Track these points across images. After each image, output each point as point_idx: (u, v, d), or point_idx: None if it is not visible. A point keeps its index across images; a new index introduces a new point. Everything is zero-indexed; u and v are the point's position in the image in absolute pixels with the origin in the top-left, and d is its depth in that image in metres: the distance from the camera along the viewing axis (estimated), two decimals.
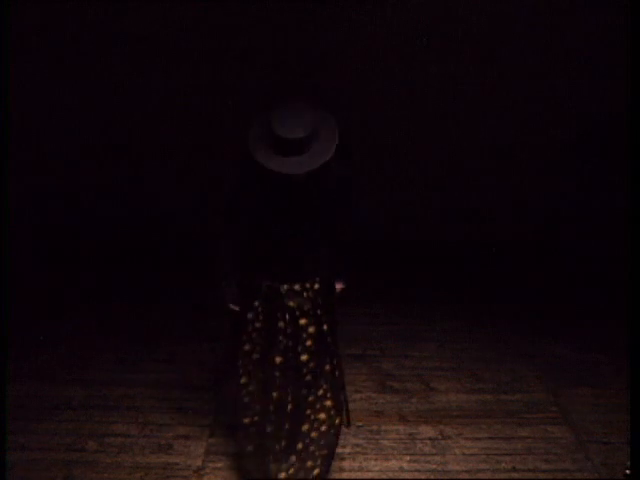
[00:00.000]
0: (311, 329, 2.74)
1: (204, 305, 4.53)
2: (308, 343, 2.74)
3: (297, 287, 2.70)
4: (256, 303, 2.74)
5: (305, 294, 2.71)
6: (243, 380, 2.85)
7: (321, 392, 2.83)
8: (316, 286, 2.73)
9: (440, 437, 3.43)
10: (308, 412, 2.83)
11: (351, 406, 3.37)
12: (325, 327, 2.77)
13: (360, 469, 3.18)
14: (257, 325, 2.77)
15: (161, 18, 5.15)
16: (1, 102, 3.20)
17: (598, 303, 4.85)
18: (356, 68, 5.31)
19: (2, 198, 3.29)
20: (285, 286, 2.70)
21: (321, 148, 2.42)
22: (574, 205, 5.64)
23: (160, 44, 5.23)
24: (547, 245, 5.66)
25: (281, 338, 2.73)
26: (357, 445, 3.34)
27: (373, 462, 3.22)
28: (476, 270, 5.39)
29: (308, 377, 2.78)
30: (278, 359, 2.75)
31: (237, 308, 2.83)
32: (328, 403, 2.84)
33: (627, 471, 2.45)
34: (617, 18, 4.95)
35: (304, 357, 2.74)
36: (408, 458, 3.27)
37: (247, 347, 2.80)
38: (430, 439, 3.42)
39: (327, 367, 2.82)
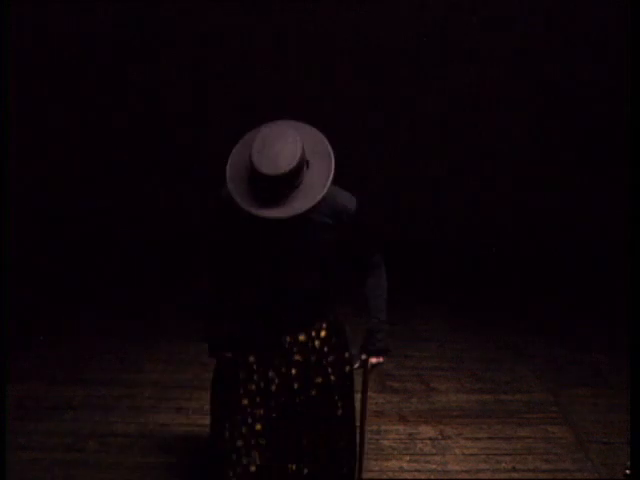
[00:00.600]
0: (318, 379, 2.38)
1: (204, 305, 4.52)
2: (313, 392, 2.38)
3: (302, 337, 2.33)
4: (251, 359, 2.35)
5: (311, 344, 2.35)
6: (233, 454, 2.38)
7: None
8: (322, 333, 2.37)
9: (440, 437, 3.43)
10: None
11: None
12: (332, 378, 2.40)
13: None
14: (252, 387, 2.35)
15: (161, 18, 5.16)
16: (1, 102, 3.20)
17: (598, 303, 4.85)
18: (356, 68, 5.32)
19: (2, 198, 3.29)
20: (288, 338, 2.32)
21: (313, 183, 2.00)
22: (574, 205, 5.64)
23: (159, 44, 5.23)
24: (547, 245, 5.66)
25: (281, 400, 2.35)
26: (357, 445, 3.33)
27: (373, 462, 3.21)
28: (476, 270, 5.39)
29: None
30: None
31: (229, 355, 2.42)
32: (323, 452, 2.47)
33: (627, 471, 2.45)
34: (617, 17, 4.96)
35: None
36: (408, 458, 3.26)
37: (239, 417, 2.37)
38: (430, 439, 3.41)
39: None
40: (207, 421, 3.45)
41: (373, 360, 2.47)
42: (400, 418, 3.57)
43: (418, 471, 3.18)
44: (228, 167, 2.06)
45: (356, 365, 2.51)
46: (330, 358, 2.40)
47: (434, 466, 3.22)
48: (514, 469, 3.21)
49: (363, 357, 2.48)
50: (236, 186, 2.02)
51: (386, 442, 3.37)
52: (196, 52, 5.26)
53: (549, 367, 4.10)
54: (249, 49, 5.23)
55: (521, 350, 4.29)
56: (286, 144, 1.96)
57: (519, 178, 5.66)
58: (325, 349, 2.38)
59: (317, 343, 2.36)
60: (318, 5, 5.11)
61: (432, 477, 3.14)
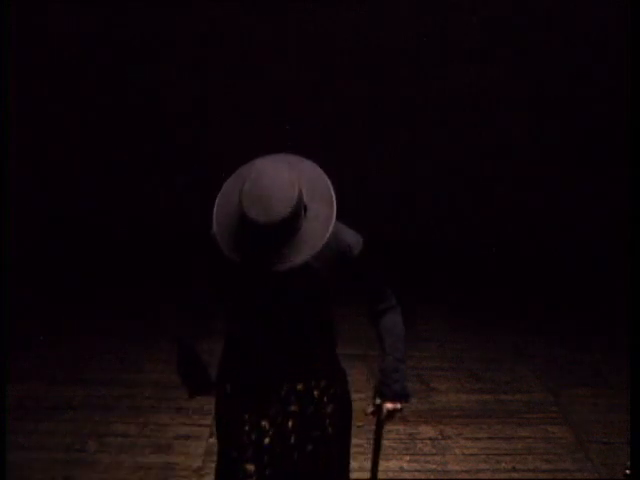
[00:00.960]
0: (316, 432, 2.16)
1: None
2: (309, 447, 2.16)
3: (300, 387, 2.11)
4: (243, 407, 2.13)
5: (309, 394, 2.14)
6: None
7: None
8: (322, 383, 2.14)
9: (440, 437, 3.43)
10: None
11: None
12: (330, 430, 2.17)
13: (360, 469, 3.16)
14: (243, 439, 2.12)
15: (161, 18, 5.16)
16: (1, 102, 3.20)
17: (598, 303, 4.85)
18: (356, 68, 5.32)
19: (2, 198, 3.29)
20: (285, 386, 2.11)
21: (312, 231, 1.78)
22: (574, 205, 5.64)
23: (159, 44, 5.23)
24: (547, 245, 5.66)
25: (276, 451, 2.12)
26: (357, 445, 3.31)
27: None
28: (476, 270, 5.38)
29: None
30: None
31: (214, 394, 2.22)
32: None
33: (627, 471, 2.45)
34: (617, 17, 4.96)
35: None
36: (408, 458, 3.27)
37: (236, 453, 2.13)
38: (430, 439, 3.41)
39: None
40: (207, 421, 3.47)
41: (389, 406, 2.12)
42: (400, 418, 3.55)
43: (418, 471, 3.19)
44: (216, 208, 1.84)
45: (369, 410, 2.19)
46: (329, 408, 2.17)
47: (434, 466, 3.22)
48: (514, 469, 3.21)
49: (377, 402, 2.15)
50: (223, 232, 1.81)
51: (386, 442, 3.35)
52: (196, 52, 5.26)
53: (549, 367, 4.10)
54: (249, 49, 5.23)
55: (521, 350, 4.29)
56: (281, 187, 1.72)
57: (519, 178, 5.66)
58: (325, 399, 2.16)
59: (316, 393, 2.15)
60: (318, 5, 5.11)
61: (432, 477, 3.15)
